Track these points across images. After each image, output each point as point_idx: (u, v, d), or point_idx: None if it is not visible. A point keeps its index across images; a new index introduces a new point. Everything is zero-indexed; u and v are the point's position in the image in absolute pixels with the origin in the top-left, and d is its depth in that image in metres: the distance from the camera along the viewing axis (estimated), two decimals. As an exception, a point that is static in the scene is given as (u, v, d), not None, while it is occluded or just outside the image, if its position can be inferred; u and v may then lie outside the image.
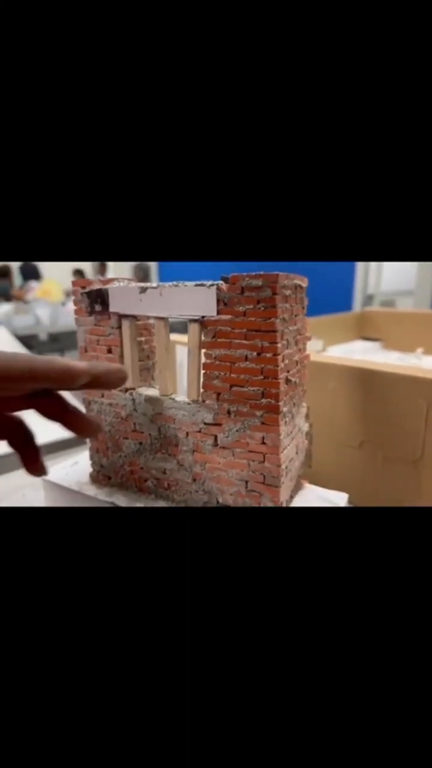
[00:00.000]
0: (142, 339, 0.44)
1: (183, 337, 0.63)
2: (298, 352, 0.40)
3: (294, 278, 0.38)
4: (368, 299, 2.06)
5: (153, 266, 3.69)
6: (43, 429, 0.32)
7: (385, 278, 2.26)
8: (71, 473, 0.48)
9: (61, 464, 0.51)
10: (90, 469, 0.46)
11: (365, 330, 1.34)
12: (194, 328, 0.37)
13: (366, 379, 0.51)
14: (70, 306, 0.42)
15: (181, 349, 0.61)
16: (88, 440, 0.46)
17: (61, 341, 1.91)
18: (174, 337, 0.44)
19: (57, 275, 5.18)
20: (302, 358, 0.41)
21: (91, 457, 0.46)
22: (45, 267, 5.81)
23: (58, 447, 0.78)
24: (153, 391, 0.41)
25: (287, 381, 0.37)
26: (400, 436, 0.49)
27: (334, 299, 2.06)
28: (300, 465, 0.44)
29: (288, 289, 0.36)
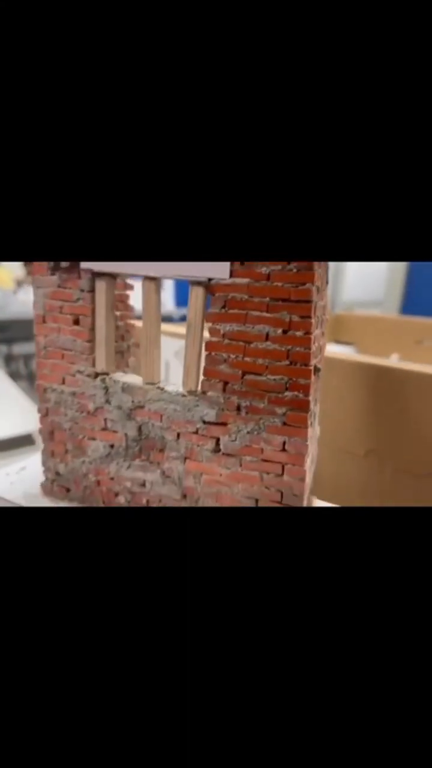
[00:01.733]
0: (117, 314, 0.34)
1: (166, 327, 0.53)
2: (322, 335, 0.32)
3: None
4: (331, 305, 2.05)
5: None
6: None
7: (348, 285, 2.26)
8: (17, 482, 0.37)
9: (5, 470, 0.40)
10: (42, 477, 0.36)
11: (338, 334, 1.29)
12: (197, 293, 0.28)
13: (378, 377, 0.44)
14: (22, 295, 0.32)
15: (167, 342, 0.52)
16: (40, 439, 0.35)
17: (10, 330, 1.75)
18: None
19: (8, 263, 4.90)
20: (323, 343, 0.33)
21: (44, 462, 0.35)
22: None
23: (3, 446, 0.65)
24: (133, 378, 0.31)
25: (315, 370, 0.28)
26: (415, 445, 0.42)
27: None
28: (312, 477, 0.36)
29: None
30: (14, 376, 1.87)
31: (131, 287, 0.35)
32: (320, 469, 0.49)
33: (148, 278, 0.29)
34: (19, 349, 1.78)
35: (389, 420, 0.43)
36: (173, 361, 0.57)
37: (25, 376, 1.70)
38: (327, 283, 0.33)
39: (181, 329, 0.56)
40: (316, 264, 0.26)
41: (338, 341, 1.29)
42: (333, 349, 1.34)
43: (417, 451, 0.42)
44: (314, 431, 0.32)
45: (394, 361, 1.05)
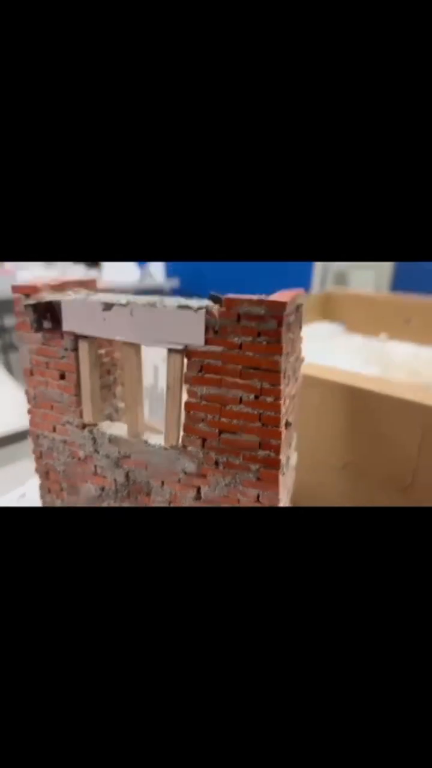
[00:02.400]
0: (102, 351, 0.35)
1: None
2: (294, 382, 0.34)
3: (296, 297, 0.31)
4: (325, 271, 2.02)
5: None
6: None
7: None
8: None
9: (5, 497, 0.43)
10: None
11: (328, 312, 1.30)
12: (175, 359, 0.29)
13: (355, 398, 0.46)
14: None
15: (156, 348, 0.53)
16: (37, 476, 0.37)
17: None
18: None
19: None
20: (298, 387, 0.35)
21: (42, 497, 0.38)
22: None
23: (5, 441, 0.67)
24: (119, 429, 0.33)
25: (287, 425, 0.30)
26: (389, 461, 0.45)
27: (291, 274, 1.99)
28: (287, 504, 0.39)
29: (291, 315, 0.29)
30: (8, 348, 1.87)
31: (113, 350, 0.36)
32: (301, 478, 0.53)
33: (127, 344, 0.30)
34: (11, 321, 1.78)
35: (365, 437, 0.46)
36: (162, 366, 0.59)
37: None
38: (301, 327, 0.35)
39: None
40: (283, 331, 0.27)
41: (328, 319, 1.30)
42: (321, 327, 1.34)
43: (390, 468, 0.45)
44: (290, 469, 0.35)
45: (357, 346, 1.05)
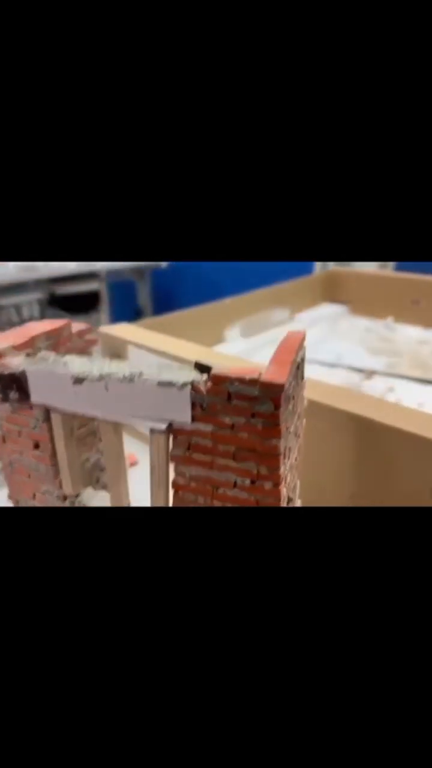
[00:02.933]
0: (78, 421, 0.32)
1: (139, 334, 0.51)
2: (296, 434, 0.30)
3: (297, 355, 0.27)
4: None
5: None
6: None
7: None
8: None
9: None
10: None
11: (332, 292, 1.24)
12: (159, 439, 0.26)
13: (364, 428, 0.42)
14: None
15: (141, 355, 0.50)
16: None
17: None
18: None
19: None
20: (300, 444, 0.32)
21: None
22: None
23: None
24: (102, 500, 0.30)
25: (288, 500, 0.27)
26: (395, 494, 0.42)
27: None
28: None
29: (291, 385, 0.25)
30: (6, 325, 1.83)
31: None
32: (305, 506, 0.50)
33: (105, 421, 0.27)
34: (7, 300, 1.74)
35: (371, 468, 0.43)
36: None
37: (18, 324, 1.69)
38: (304, 360, 0.31)
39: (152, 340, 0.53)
40: (281, 412, 0.23)
41: (333, 300, 1.24)
42: (324, 310, 1.28)
43: (396, 500, 0.42)
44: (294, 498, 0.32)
45: (361, 331, 1.00)
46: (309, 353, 0.36)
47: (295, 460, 0.30)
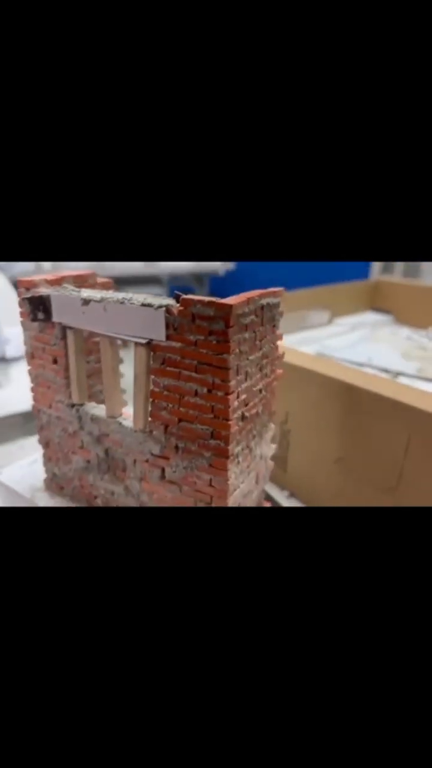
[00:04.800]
0: (92, 358, 0.40)
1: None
2: (262, 378, 0.35)
3: (261, 298, 0.32)
4: (389, 264, 1.91)
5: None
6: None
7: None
8: (27, 474, 0.46)
9: (19, 462, 0.49)
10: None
11: (377, 301, 1.25)
12: (141, 351, 0.32)
13: (348, 394, 0.46)
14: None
15: None
16: (40, 444, 0.43)
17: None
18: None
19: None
20: (269, 382, 0.37)
21: (45, 464, 0.43)
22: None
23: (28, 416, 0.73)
24: (100, 411, 0.37)
25: (242, 417, 0.33)
26: (376, 460, 0.45)
27: (349, 264, 1.90)
28: (262, 491, 0.41)
29: (250, 315, 0.31)
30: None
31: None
32: (298, 471, 0.54)
33: (102, 335, 0.34)
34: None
35: (355, 433, 0.46)
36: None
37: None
38: (276, 327, 0.36)
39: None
40: (234, 332, 0.29)
41: (375, 308, 1.25)
42: (367, 317, 1.29)
43: (378, 466, 0.45)
44: (255, 457, 0.37)
45: (402, 339, 1.01)
46: (342, 354, 0.40)
47: (260, 392, 0.35)
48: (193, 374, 0.31)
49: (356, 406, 0.46)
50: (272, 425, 0.40)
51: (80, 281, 0.39)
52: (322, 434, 0.50)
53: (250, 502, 0.38)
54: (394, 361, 0.94)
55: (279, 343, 0.38)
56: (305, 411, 0.51)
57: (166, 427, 0.33)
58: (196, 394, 0.31)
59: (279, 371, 0.39)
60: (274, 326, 0.36)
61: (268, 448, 0.40)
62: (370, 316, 1.21)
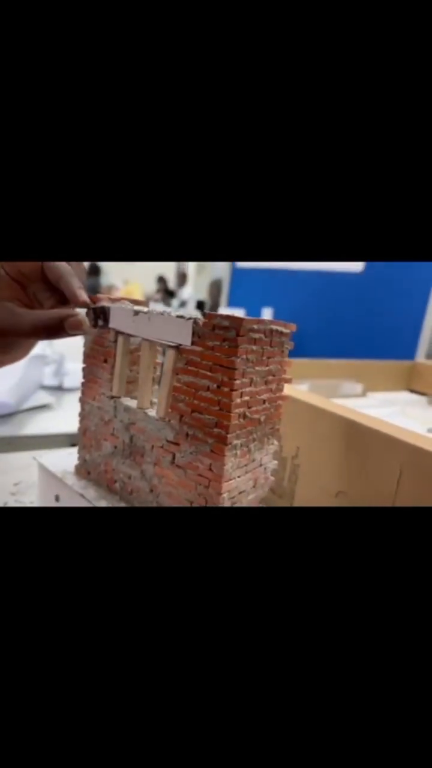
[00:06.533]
0: (135, 368, 0.49)
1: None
2: (267, 391, 0.42)
3: (271, 324, 0.40)
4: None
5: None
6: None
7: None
8: (63, 460, 0.54)
9: (61, 452, 0.57)
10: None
11: (414, 382, 1.29)
12: (171, 353, 0.41)
13: (348, 429, 0.51)
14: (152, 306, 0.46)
15: None
16: (80, 434, 0.51)
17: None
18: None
19: (141, 279, 5.57)
20: (274, 398, 0.44)
21: (79, 451, 0.51)
22: (129, 270, 6.23)
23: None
24: (132, 402, 0.45)
25: (244, 416, 0.39)
26: (372, 494, 0.49)
27: (396, 342, 1.98)
28: (258, 500, 0.46)
29: (258, 333, 0.39)
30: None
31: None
32: (306, 501, 0.58)
33: (145, 340, 0.43)
34: None
35: (355, 468, 0.50)
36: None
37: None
38: (284, 352, 0.43)
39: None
40: (243, 342, 0.37)
41: (412, 390, 1.29)
42: (401, 396, 1.33)
43: (373, 500, 0.48)
44: (254, 461, 0.43)
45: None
46: (323, 402, 0.46)
47: (264, 402, 0.42)
48: (208, 373, 0.38)
49: (356, 442, 0.50)
50: (276, 442, 0.46)
51: (134, 302, 0.50)
52: (327, 469, 0.54)
53: (246, 503, 0.43)
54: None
55: (287, 368, 0.45)
56: (313, 446, 0.56)
57: (181, 416, 0.40)
58: (208, 389, 0.38)
59: (285, 394, 0.45)
60: (282, 351, 0.43)
61: (270, 460, 0.46)
62: (404, 395, 1.24)
